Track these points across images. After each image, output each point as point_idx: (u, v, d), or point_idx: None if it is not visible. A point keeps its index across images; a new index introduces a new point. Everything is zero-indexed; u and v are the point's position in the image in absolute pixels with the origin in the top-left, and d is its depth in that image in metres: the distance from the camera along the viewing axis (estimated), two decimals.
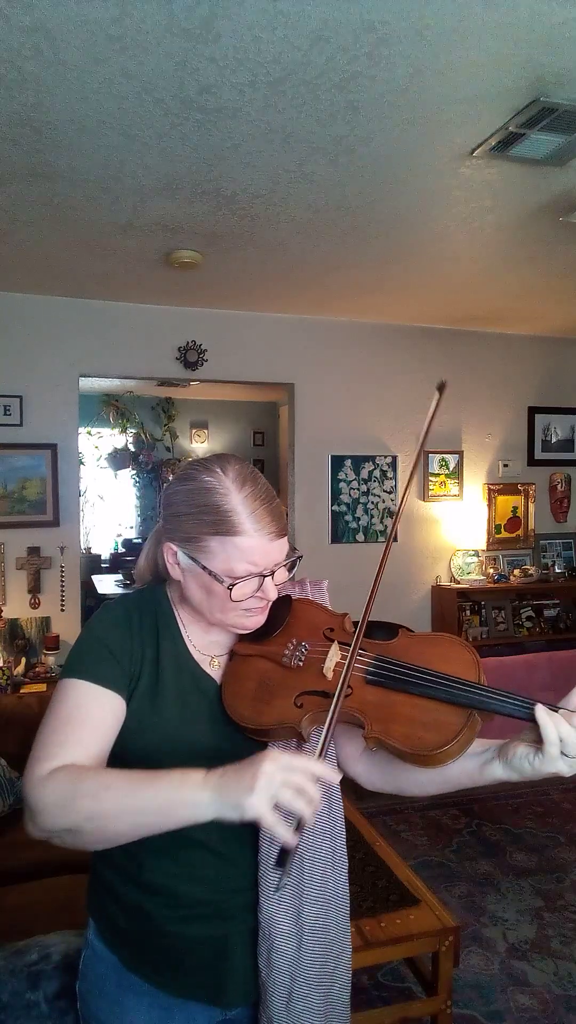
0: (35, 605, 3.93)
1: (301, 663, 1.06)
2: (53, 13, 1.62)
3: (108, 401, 7.77)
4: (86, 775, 0.92)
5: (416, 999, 2.35)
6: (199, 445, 8.44)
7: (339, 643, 1.07)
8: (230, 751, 1.04)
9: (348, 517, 4.61)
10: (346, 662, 0.99)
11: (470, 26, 1.68)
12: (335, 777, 0.88)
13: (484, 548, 4.94)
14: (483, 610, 4.81)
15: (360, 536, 4.64)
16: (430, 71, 1.86)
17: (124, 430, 7.94)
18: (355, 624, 1.09)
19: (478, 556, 4.86)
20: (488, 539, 4.96)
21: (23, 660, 3.77)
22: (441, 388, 1.04)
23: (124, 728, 1.04)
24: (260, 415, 8.68)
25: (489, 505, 4.96)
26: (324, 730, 0.94)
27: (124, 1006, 1.10)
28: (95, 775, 0.92)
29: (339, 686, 0.97)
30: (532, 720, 0.90)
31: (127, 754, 1.05)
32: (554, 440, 5.15)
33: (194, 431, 8.41)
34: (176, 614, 1.12)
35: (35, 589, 3.93)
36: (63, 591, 3.98)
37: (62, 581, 3.97)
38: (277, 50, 1.76)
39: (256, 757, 0.84)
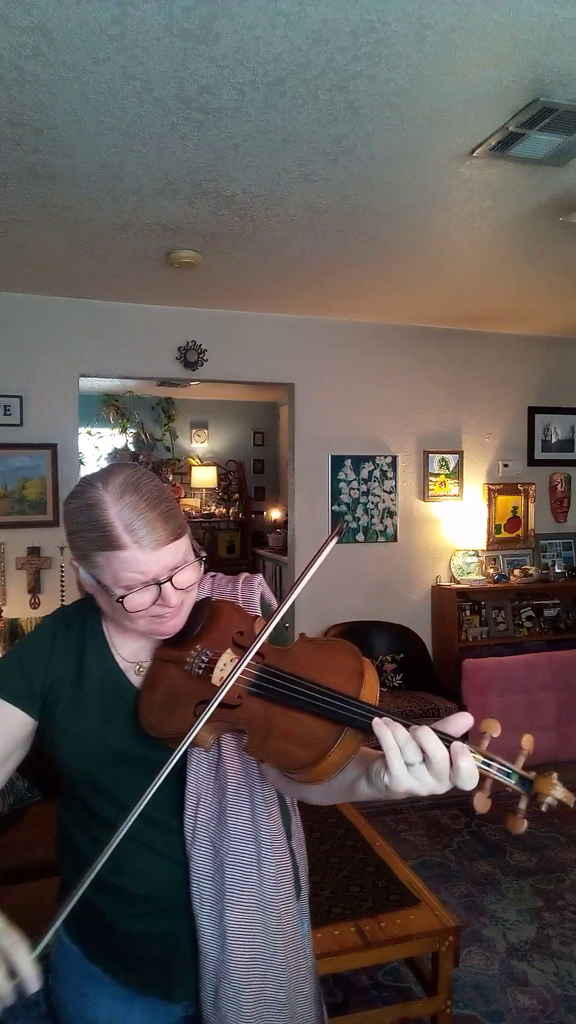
0: (35, 605, 3.93)
1: (201, 671, 1.03)
2: (53, 13, 1.62)
3: (108, 401, 7.77)
4: None
5: (416, 999, 2.35)
6: (199, 445, 8.43)
7: (233, 649, 1.03)
8: (147, 755, 1.06)
9: (348, 517, 4.61)
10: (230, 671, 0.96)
11: (470, 26, 1.68)
12: (33, 985, 0.81)
13: (484, 548, 4.93)
14: (483, 610, 4.81)
15: (360, 536, 4.64)
16: (430, 71, 1.86)
17: (124, 430, 7.94)
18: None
19: (478, 556, 4.86)
20: (488, 539, 4.96)
21: None
22: (340, 531, 1.01)
23: (51, 739, 1.10)
24: (260, 415, 8.68)
25: (489, 505, 4.95)
26: (183, 741, 0.93)
27: (89, 997, 1.14)
28: None
29: (212, 700, 0.94)
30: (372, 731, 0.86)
31: (59, 763, 1.10)
32: (554, 440, 5.15)
33: (194, 431, 8.41)
34: (104, 625, 1.14)
35: (35, 589, 3.93)
36: (63, 591, 3.97)
37: (62, 581, 3.97)
38: (277, 50, 1.76)
39: None
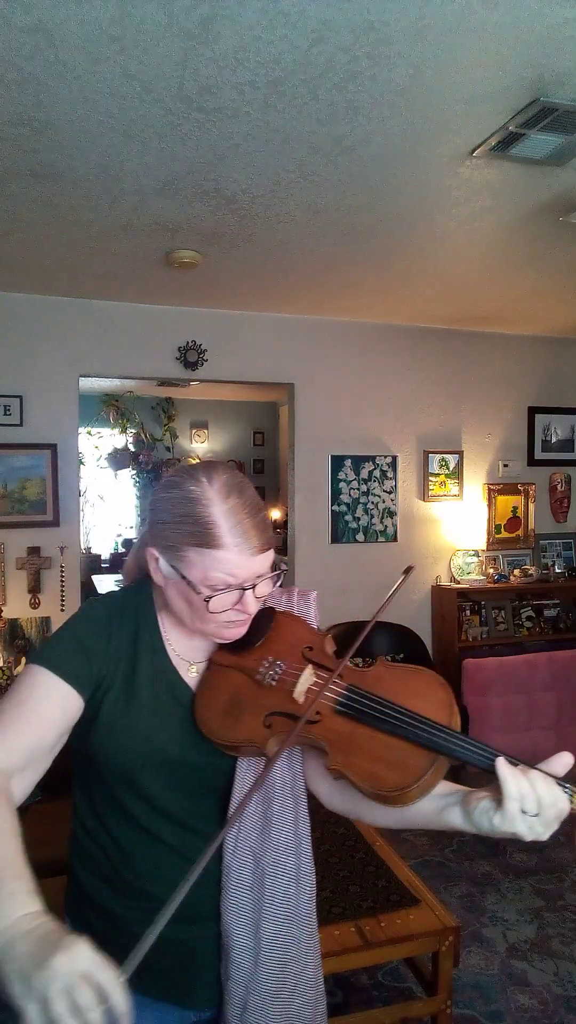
0: (35, 605, 3.93)
1: (274, 682, 1.02)
2: (53, 13, 1.62)
3: (108, 401, 7.77)
4: None
5: (416, 999, 2.35)
6: (199, 445, 8.44)
7: (313, 666, 1.03)
8: (197, 761, 1.05)
9: (348, 517, 4.61)
10: (317, 687, 0.97)
11: (470, 26, 1.68)
12: (124, 1018, 0.72)
13: (484, 548, 4.93)
14: (483, 610, 4.81)
15: (360, 536, 4.64)
16: (430, 71, 1.86)
17: (124, 430, 7.94)
18: (337, 645, 1.06)
19: (478, 556, 4.86)
20: (488, 539, 4.96)
21: (23, 660, 3.77)
22: (408, 571, 1.05)
23: (95, 731, 1.04)
24: (260, 415, 8.69)
25: (489, 505, 4.95)
26: (278, 750, 0.93)
27: None
28: None
29: (301, 717, 0.94)
30: (494, 772, 0.87)
31: (98, 757, 1.05)
32: (554, 440, 5.15)
33: (194, 431, 8.41)
34: (159, 618, 1.11)
35: (35, 589, 3.93)
36: (63, 591, 3.97)
37: (62, 581, 3.97)
38: (277, 50, 1.76)
39: (65, 940, 0.73)
